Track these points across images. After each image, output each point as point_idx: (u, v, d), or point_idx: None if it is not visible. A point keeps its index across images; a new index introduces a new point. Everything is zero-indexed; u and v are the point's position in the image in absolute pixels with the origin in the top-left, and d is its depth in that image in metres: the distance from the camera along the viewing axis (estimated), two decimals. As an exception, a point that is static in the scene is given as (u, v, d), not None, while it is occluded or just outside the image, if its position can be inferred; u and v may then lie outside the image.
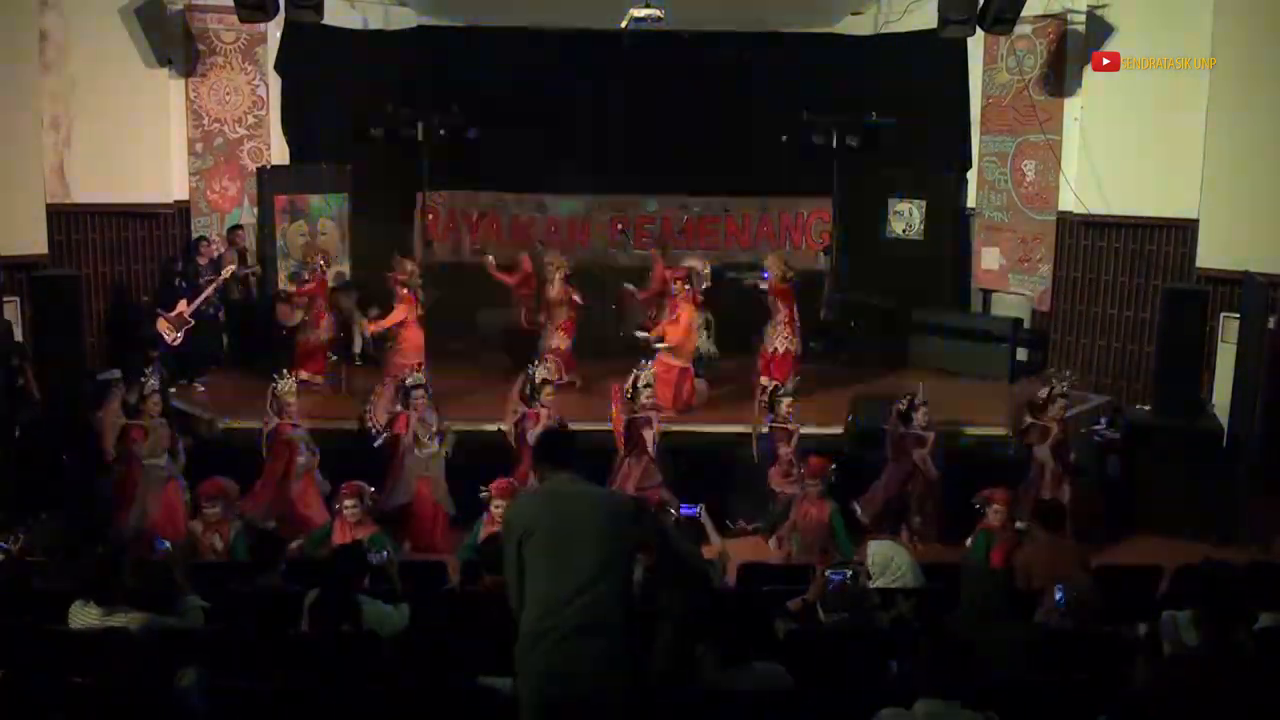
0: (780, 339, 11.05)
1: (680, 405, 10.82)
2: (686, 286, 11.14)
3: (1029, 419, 9.43)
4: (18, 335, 10.73)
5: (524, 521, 4.36)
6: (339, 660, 5.34)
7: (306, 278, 12.06)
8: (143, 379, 9.13)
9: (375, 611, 5.69)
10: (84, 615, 5.46)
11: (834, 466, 8.75)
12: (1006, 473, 9.44)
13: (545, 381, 9.35)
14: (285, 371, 9.55)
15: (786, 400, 9.69)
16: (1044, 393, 9.50)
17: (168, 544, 8.04)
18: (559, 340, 11.64)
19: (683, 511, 7.74)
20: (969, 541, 7.97)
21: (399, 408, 9.51)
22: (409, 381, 9.45)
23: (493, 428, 9.83)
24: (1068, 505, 8.90)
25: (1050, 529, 7.21)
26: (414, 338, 10.90)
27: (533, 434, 8.97)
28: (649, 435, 9.25)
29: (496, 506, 7.92)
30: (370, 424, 9.64)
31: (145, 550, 7.40)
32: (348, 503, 7.93)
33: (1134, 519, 9.83)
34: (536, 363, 9.96)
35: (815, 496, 8.72)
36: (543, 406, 9.27)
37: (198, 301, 11.72)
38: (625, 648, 4.21)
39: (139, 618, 5.37)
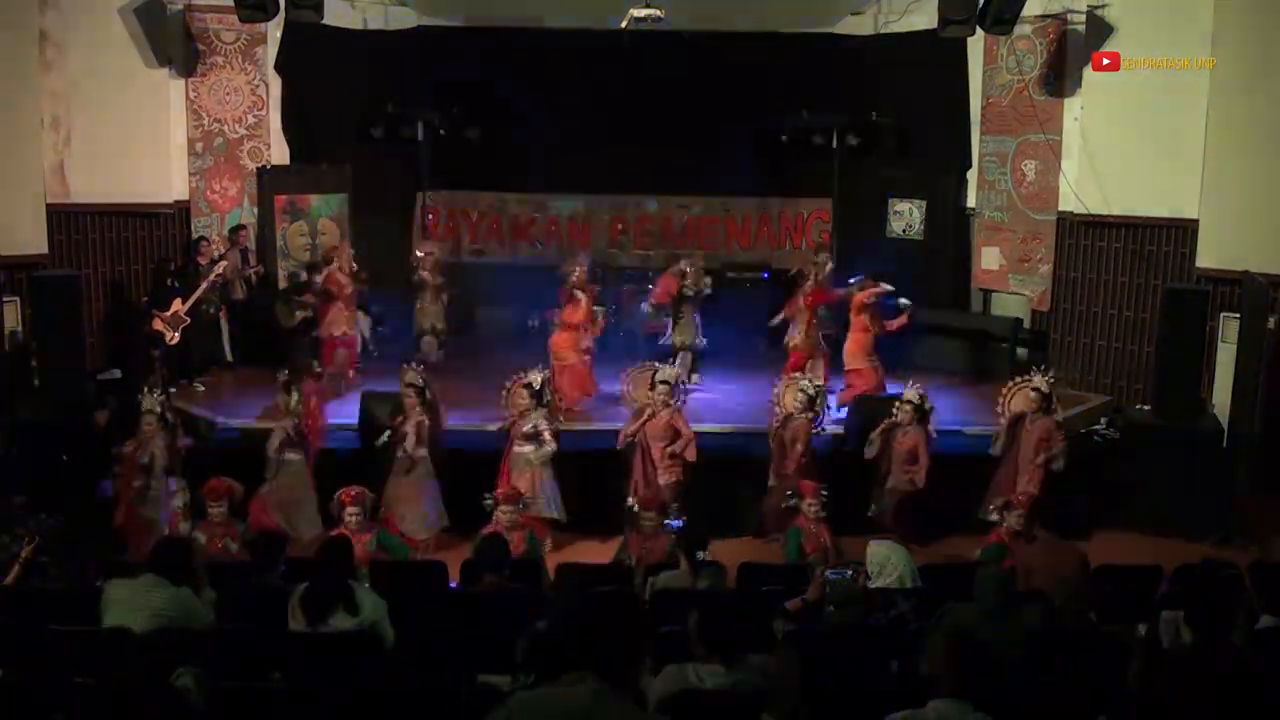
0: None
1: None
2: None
3: (1011, 410, 9.42)
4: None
5: None
6: (339, 660, 5.34)
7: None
8: (140, 397, 8.95)
9: (370, 598, 5.66)
10: (121, 588, 5.55)
11: (824, 489, 8.48)
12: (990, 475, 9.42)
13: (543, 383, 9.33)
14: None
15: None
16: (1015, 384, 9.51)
17: None
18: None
19: (670, 525, 7.82)
20: (978, 552, 7.86)
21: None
22: (406, 380, 9.25)
23: (491, 427, 9.79)
24: (1034, 496, 8.73)
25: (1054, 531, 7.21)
26: None
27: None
28: (643, 428, 9.20)
29: (504, 513, 7.96)
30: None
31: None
32: (351, 509, 7.87)
33: (1133, 519, 9.83)
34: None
35: (813, 518, 8.42)
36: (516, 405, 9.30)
37: (191, 300, 11.71)
38: None
39: (186, 594, 5.57)
